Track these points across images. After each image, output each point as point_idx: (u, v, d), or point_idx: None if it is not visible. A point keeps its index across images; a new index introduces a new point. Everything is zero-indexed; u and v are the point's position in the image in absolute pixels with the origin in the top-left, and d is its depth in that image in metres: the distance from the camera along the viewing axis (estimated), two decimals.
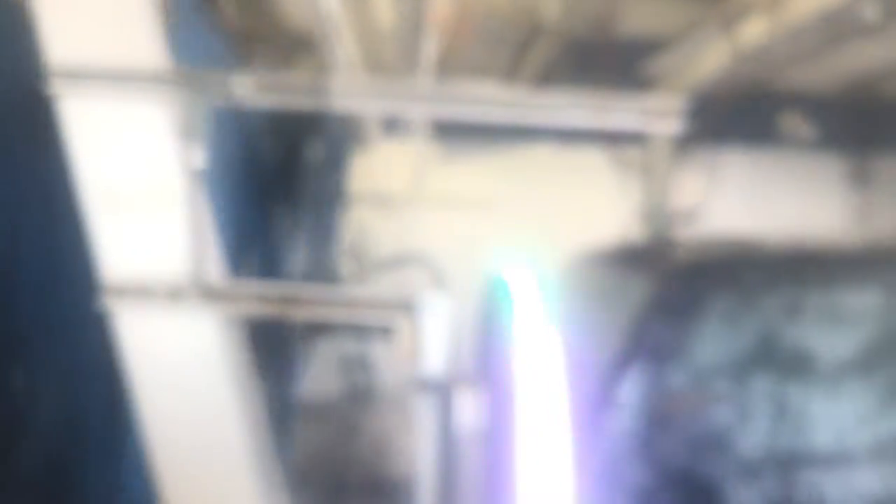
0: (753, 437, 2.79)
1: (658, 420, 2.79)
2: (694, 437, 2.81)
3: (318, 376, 7.00)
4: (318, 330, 6.44)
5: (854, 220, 8.30)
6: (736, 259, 3.06)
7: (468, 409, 3.01)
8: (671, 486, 2.81)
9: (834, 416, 2.83)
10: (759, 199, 8.15)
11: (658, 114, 3.30)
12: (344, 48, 4.77)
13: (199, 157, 3.15)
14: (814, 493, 2.79)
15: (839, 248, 3.20)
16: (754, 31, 5.86)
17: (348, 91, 3.35)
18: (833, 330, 2.89)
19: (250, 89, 3.22)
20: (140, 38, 3.13)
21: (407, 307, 3.15)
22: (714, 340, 2.83)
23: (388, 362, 7.12)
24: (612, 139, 7.38)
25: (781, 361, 2.83)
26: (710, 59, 6.47)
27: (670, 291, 2.91)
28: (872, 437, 2.82)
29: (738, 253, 3.16)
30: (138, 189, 3.15)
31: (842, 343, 2.88)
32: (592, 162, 7.88)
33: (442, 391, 3.05)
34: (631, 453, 2.81)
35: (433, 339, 3.10)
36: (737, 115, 7.63)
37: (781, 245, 3.29)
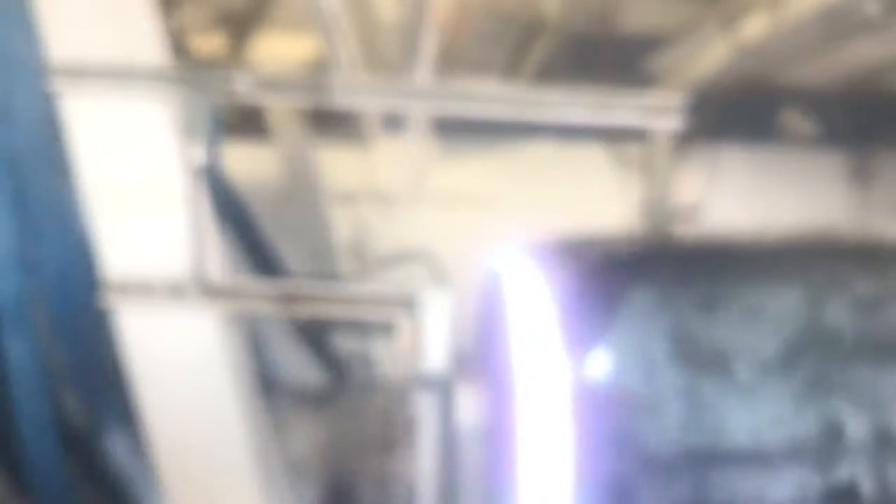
0: (666, 436, 2.77)
1: (570, 417, 2.77)
2: (605, 435, 2.78)
3: (319, 372, 7.00)
4: (319, 327, 6.44)
5: (855, 216, 8.30)
6: (651, 253, 3.02)
7: (469, 406, 3.01)
8: (581, 485, 2.79)
9: (750, 416, 2.80)
10: (759, 196, 8.15)
11: (658, 110, 3.30)
12: (344, 44, 4.77)
13: (201, 154, 3.15)
14: (728, 494, 2.77)
15: (758, 243, 3.16)
16: (755, 27, 5.85)
17: (348, 88, 3.35)
18: (750, 327, 2.86)
19: (251, 86, 3.22)
20: (141, 37, 3.13)
21: (408, 304, 3.15)
22: (629, 336, 2.80)
23: (389, 359, 7.12)
24: (612, 136, 7.38)
25: (697, 359, 2.80)
26: (711, 56, 6.47)
27: (587, 287, 2.89)
28: (788, 439, 2.80)
29: (653, 247, 3.11)
30: (140, 186, 3.15)
31: (759, 341, 2.84)
32: (593, 159, 7.88)
33: (443, 387, 3.05)
34: None
35: (434, 335, 3.11)
36: (738, 112, 7.63)
37: (698, 240, 3.24)
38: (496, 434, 2.95)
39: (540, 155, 7.90)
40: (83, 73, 3.07)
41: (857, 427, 2.80)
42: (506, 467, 2.80)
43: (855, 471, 2.79)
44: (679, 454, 2.74)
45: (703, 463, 2.76)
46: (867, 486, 2.78)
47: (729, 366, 2.79)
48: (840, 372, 2.84)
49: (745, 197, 8.12)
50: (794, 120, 7.90)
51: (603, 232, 3.15)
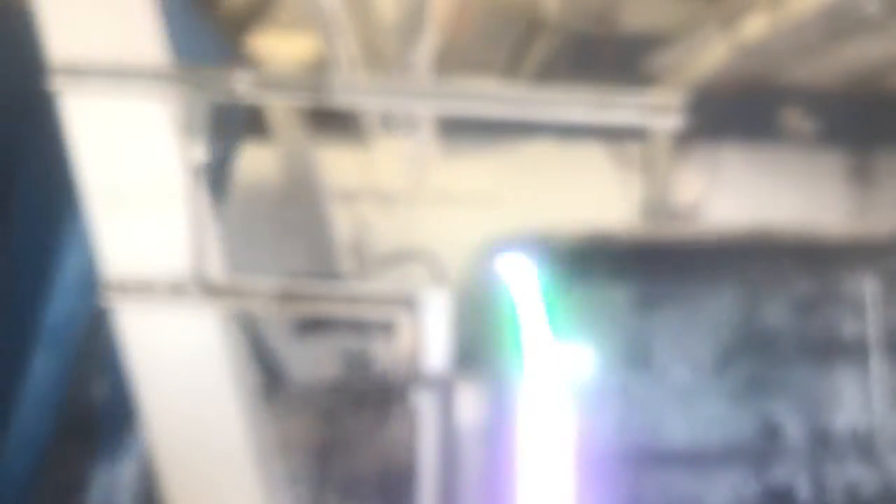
0: (603, 435, 2.75)
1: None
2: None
3: (319, 372, 7.00)
4: (319, 326, 6.45)
5: (856, 215, 8.30)
6: (586, 250, 2.98)
7: (469, 405, 3.01)
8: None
9: (684, 416, 2.78)
10: (760, 195, 8.14)
11: (659, 109, 3.30)
12: (344, 43, 4.77)
13: (200, 153, 3.15)
14: (664, 495, 2.74)
15: (694, 241, 3.13)
16: (755, 26, 5.85)
17: (349, 87, 3.35)
18: (685, 326, 2.83)
19: (250, 85, 3.22)
20: (140, 35, 3.13)
21: (408, 303, 3.15)
22: (566, 334, 2.78)
23: (388, 358, 7.12)
24: (612, 135, 7.38)
25: (631, 357, 2.78)
26: (711, 55, 6.47)
27: (534, 283, 2.88)
28: (725, 439, 2.77)
29: (588, 244, 3.06)
30: (139, 185, 3.15)
31: (693, 340, 2.82)
32: (593, 158, 7.88)
33: (443, 387, 3.05)
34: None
35: (434, 334, 3.11)
36: (738, 111, 7.63)
37: (632, 237, 3.19)
38: (496, 432, 2.94)
39: (540, 154, 7.90)
40: (83, 73, 3.07)
41: (794, 428, 2.79)
42: (506, 465, 2.79)
43: (791, 472, 2.77)
44: (615, 452, 2.72)
45: (639, 462, 2.74)
46: (803, 487, 2.77)
47: (662, 365, 2.78)
48: (777, 372, 2.82)
49: (746, 196, 8.11)
50: (795, 119, 7.89)
51: (553, 229, 3.11)
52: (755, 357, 2.81)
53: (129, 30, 3.12)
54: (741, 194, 8.13)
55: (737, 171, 8.15)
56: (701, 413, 2.77)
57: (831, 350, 2.84)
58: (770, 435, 2.78)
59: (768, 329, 2.83)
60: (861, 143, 8.21)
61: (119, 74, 3.08)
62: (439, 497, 3.06)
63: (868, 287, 2.86)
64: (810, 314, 2.86)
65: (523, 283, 2.90)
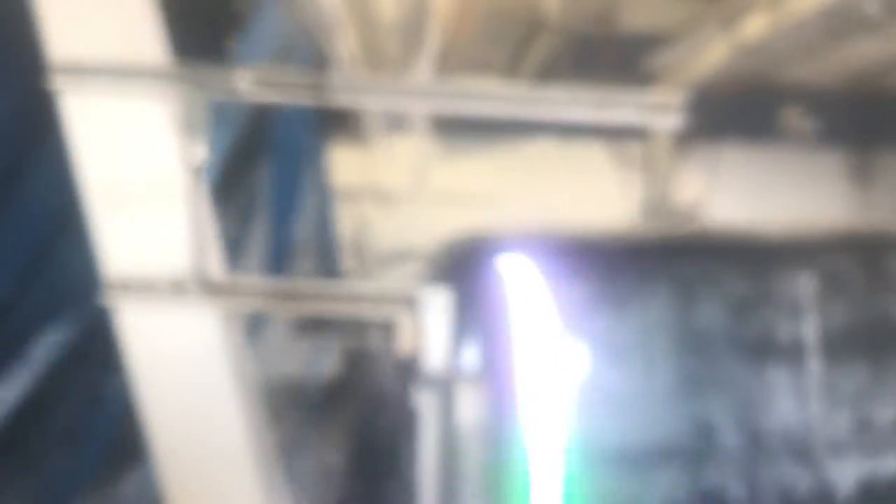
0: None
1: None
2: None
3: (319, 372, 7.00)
4: (319, 325, 6.45)
5: (856, 215, 8.30)
6: (531, 250, 2.96)
7: (470, 404, 3.01)
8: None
9: (618, 417, 2.76)
10: (760, 195, 8.15)
11: (659, 109, 3.30)
12: (345, 42, 4.77)
13: (200, 152, 3.16)
14: (606, 491, 2.73)
15: (630, 239, 3.10)
16: (756, 26, 5.86)
17: (349, 87, 3.35)
18: (621, 326, 2.81)
19: (251, 84, 3.23)
20: (140, 35, 3.14)
21: (408, 302, 3.15)
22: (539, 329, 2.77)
23: (389, 357, 7.12)
24: (613, 134, 7.38)
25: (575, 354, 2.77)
26: (712, 55, 6.48)
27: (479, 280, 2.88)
28: (657, 440, 2.75)
29: (536, 240, 3.04)
30: (140, 184, 3.16)
31: (629, 340, 2.80)
32: (594, 157, 7.88)
33: (443, 386, 3.05)
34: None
35: (434, 333, 3.11)
36: (738, 111, 7.63)
37: (577, 234, 3.16)
38: (496, 431, 2.95)
39: (541, 153, 7.90)
40: (84, 71, 3.07)
41: (729, 429, 2.77)
42: (506, 465, 2.79)
43: (725, 473, 2.76)
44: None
45: (577, 462, 2.72)
46: (737, 488, 2.75)
47: (602, 365, 2.76)
48: (713, 373, 2.80)
49: (746, 195, 8.12)
50: (795, 118, 7.89)
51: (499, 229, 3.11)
52: (691, 357, 2.79)
53: (129, 29, 3.12)
54: (741, 194, 8.13)
55: (737, 170, 8.15)
56: (636, 413, 2.76)
57: (768, 351, 2.82)
58: (705, 436, 2.77)
59: (705, 329, 2.81)
60: (861, 142, 8.21)
61: (119, 73, 3.08)
62: (439, 497, 3.06)
63: (805, 287, 2.85)
64: (747, 314, 2.84)
65: (495, 278, 2.91)
